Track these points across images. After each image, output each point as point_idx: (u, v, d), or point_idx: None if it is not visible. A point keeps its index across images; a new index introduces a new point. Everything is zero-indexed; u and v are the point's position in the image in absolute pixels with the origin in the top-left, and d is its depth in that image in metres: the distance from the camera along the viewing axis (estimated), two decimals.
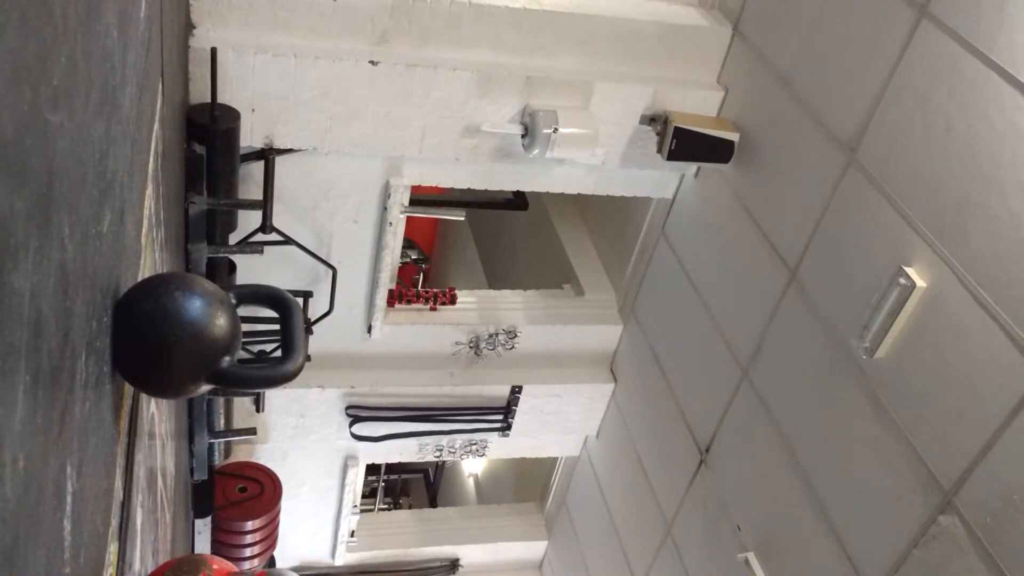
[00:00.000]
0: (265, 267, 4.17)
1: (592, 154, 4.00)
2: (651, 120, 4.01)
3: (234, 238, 3.93)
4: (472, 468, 8.43)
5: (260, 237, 3.87)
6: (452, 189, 4.58)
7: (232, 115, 3.50)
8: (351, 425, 4.94)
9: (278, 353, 3.11)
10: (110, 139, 1.38)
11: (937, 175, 2.92)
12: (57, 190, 1.00)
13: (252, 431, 4.62)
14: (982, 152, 2.75)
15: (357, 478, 5.57)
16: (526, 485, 7.06)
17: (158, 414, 2.56)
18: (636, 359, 5.02)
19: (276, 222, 3.88)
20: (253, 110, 3.58)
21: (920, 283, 2.94)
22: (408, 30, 3.65)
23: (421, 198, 5.10)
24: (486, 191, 4.61)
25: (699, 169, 4.36)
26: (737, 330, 4.06)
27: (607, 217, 5.50)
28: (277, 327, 2.26)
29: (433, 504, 8.73)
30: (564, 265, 5.49)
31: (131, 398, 1.85)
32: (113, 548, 1.60)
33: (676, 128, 3.90)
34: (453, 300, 4.90)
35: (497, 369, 5.05)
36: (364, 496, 6.72)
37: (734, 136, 3.95)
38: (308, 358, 3.12)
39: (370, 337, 4.73)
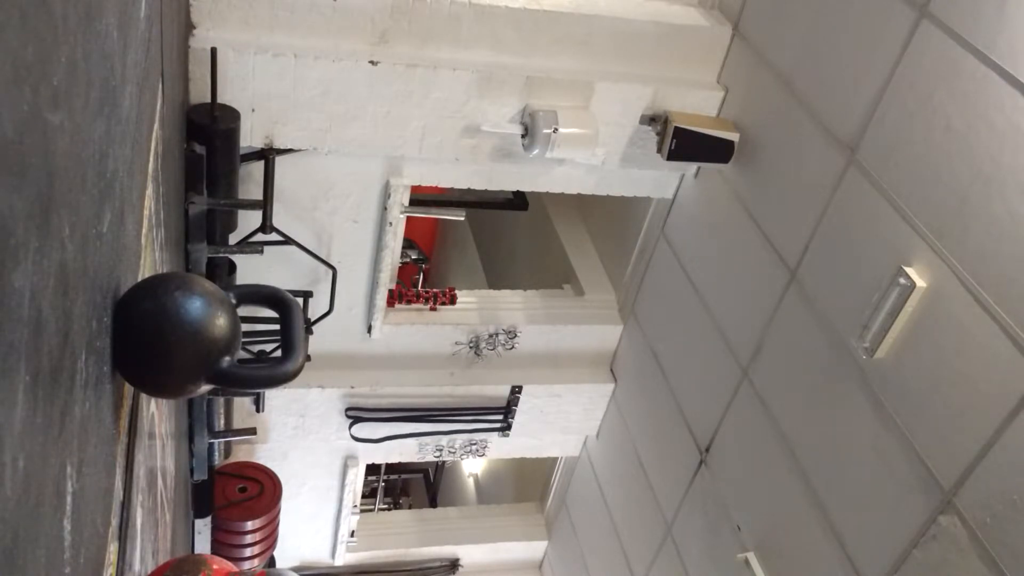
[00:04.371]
0: (265, 267, 4.17)
1: (592, 154, 4.00)
2: (651, 120, 4.01)
3: (234, 238, 3.93)
4: (472, 468, 8.43)
5: (260, 237, 3.87)
6: (452, 189, 4.58)
7: (232, 115, 3.50)
8: (351, 427, 4.94)
9: (278, 353, 3.11)
10: (110, 139, 1.38)
11: (937, 175, 2.92)
12: (57, 190, 1.00)
13: (252, 431, 4.62)
14: (982, 152, 2.75)
15: (357, 478, 5.57)
16: (526, 485, 7.06)
17: (158, 414, 2.56)
18: (636, 359, 5.02)
19: (276, 222, 3.88)
20: (253, 110, 3.58)
21: (920, 283, 2.94)
22: (408, 30, 3.65)
23: (421, 198, 5.10)
24: (486, 191, 4.61)
25: (699, 169, 4.36)
26: (737, 330, 4.06)
27: (607, 217, 5.50)
28: (277, 327, 2.26)
29: (433, 504, 8.73)
30: (564, 265, 5.49)
31: (131, 398, 1.85)
32: (113, 548, 1.60)
33: (676, 128, 3.90)
34: (453, 300, 4.90)
35: (497, 369, 5.05)
36: (364, 496, 6.73)
37: (734, 136, 3.94)
38: (308, 358, 3.11)
39: (370, 337, 4.73)
